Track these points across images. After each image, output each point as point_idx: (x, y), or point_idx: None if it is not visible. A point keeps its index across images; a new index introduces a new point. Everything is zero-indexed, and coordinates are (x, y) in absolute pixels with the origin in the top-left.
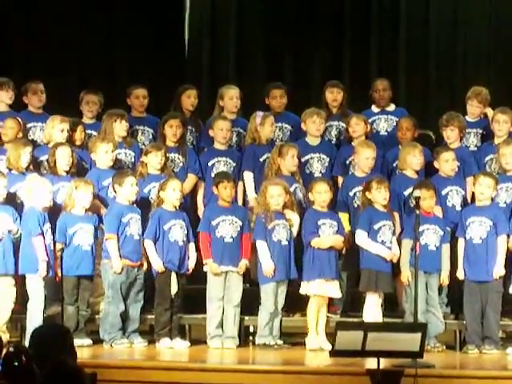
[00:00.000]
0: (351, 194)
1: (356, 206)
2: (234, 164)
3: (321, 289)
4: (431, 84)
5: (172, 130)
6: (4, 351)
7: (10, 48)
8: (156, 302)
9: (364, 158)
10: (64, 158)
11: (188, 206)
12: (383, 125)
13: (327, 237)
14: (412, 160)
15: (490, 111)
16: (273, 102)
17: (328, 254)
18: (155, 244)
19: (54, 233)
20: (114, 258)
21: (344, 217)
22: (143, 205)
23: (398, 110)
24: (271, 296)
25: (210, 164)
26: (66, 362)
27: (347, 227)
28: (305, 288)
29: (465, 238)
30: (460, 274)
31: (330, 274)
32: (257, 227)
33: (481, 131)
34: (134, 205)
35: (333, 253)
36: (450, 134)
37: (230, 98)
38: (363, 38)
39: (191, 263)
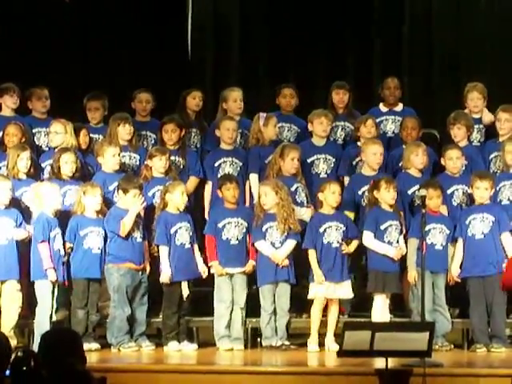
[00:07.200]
0: (360, 192)
1: (364, 204)
2: (241, 164)
3: (328, 291)
4: (435, 83)
5: (167, 134)
6: (13, 356)
7: (14, 53)
8: (164, 306)
9: (371, 154)
10: (67, 164)
11: (191, 207)
12: (390, 126)
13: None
14: (415, 159)
15: (486, 114)
16: (282, 101)
17: (334, 257)
18: None
19: (63, 237)
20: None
21: (350, 216)
22: (147, 208)
23: (405, 110)
24: (268, 297)
25: (216, 165)
26: (73, 366)
27: None
28: (313, 291)
29: (464, 238)
30: (455, 274)
31: (334, 277)
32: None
33: (484, 127)
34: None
35: (339, 255)
36: (458, 132)
37: (234, 100)
38: (366, 39)
39: (201, 267)
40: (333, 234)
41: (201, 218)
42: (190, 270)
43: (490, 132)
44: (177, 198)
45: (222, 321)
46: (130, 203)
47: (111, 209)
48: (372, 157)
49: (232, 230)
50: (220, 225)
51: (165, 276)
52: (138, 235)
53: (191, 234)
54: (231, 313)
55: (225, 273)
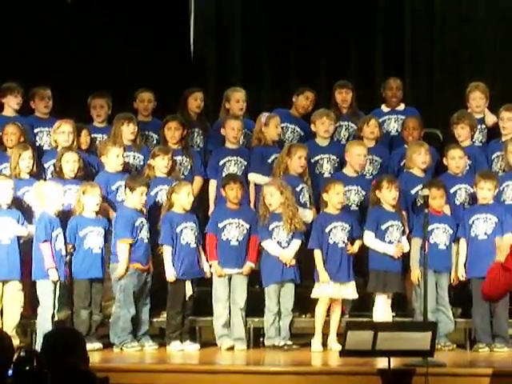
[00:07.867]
0: None
1: (345, 205)
2: (245, 163)
3: (333, 291)
4: (437, 83)
5: (170, 132)
6: (15, 356)
7: (16, 53)
8: (168, 305)
9: (356, 155)
10: (69, 164)
11: (195, 207)
12: (394, 125)
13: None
14: (418, 159)
15: (489, 115)
16: (303, 102)
17: (340, 257)
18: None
19: (65, 237)
20: (123, 262)
21: None
22: (150, 207)
23: (408, 110)
24: (273, 297)
25: (220, 163)
26: (76, 365)
27: None
28: (318, 291)
29: (467, 238)
30: (461, 274)
31: (341, 278)
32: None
33: (485, 127)
34: (144, 209)
35: (345, 255)
36: (461, 132)
37: (236, 100)
38: (368, 39)
39: (206, 267)
40: (338, 234)
41: (203, 217)
42: (195, 270)
43: (493, 132)
44: (183, 199)
45: (220, 320)
46: (137, 202)
47: (119, 209)
48: (356, 158)
49: (233, 230)
50: (221, 225)
51: (169, 275)
52: (145, 236)
53: (196, 234)
54: (230, 312)
55: (224, 273)
